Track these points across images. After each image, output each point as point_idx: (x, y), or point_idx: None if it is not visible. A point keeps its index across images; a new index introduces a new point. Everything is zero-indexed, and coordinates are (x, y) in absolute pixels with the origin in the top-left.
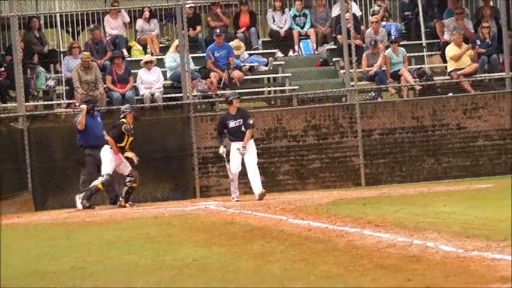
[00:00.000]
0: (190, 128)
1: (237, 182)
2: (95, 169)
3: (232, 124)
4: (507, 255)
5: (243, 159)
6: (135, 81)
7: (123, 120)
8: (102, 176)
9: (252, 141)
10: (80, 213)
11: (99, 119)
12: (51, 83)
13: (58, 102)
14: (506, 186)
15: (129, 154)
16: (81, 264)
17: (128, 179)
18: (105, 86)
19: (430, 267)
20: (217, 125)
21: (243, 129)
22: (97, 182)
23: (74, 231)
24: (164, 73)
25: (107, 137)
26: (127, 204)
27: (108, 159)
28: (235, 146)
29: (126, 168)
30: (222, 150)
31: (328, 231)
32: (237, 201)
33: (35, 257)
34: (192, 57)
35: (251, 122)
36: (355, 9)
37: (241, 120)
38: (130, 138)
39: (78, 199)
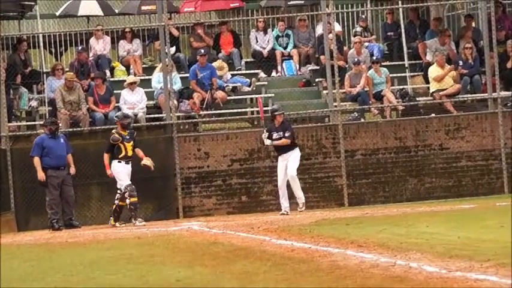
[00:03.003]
0: (173, 148)
1: (286, 193)
2: (58, 190)
3: (275, 136)
4: (490, 276)
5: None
6: (118, 102)
7: (113, 130)
8: (126, 190)
9: (296, 151)
10: (63, 234)
11: (62, 140)
12: (34, 103)
13: (41, 122)
14: (489, 207)
15: (147, 162)
16: (64, 285)
17: (125, 194)
18: (87, 106)
19: (414, 287)
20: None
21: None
22: (129, 199)
23: (57, 251)
24: (150, 93)
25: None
26: (137, 222)
27: (121, 173)
28: (281, 159)
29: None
30: (264, 135)
31: (312, 251)
32: (283, 214)
33: (18, 278)
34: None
35: (287, 134)
36: (337, 27)
37: (282, 133)
38: (129, 145)
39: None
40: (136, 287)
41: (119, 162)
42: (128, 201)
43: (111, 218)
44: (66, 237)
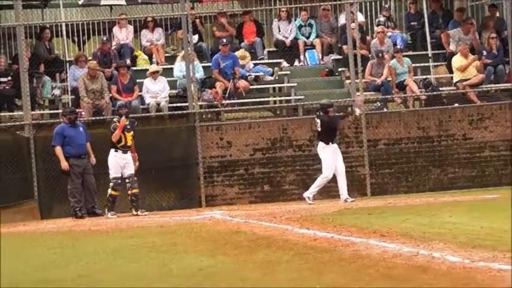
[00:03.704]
0: (196, 138)
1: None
2: (80, 179)
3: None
4: None
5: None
6: (140, 91)
7: (115, 119)
8: (112, 181)
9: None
10: (85, 222)
11: (81, 129)
12: (57, 92)
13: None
14: None
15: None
16: (87, 273)
17: (127, 185)
18: (110, 95)
19: (437, 277)
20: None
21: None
22: (109, 191)
23: (80, 239)
24: (173, 82)
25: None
26: (139, 212)
27: (113, 164)
28: (330, 148)
29: (129, 172)
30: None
31: (334, 240)
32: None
33: (41, 265)
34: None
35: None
36: (360, 17)
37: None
38: (129, 135)
39: (108, 214)
40: (158, 275)
41: (115, 151)
42: (129, 192)
43: (105, 208)
44: (89, 225)
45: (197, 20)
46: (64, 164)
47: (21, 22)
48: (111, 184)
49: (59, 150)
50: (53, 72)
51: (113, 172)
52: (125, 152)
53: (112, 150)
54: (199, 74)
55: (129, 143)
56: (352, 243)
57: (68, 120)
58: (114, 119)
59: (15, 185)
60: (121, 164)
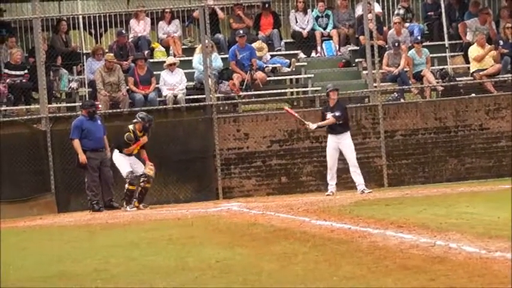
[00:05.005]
0: (213, 130)
1: (335, 173)
2: (97, 172)
3: (329, 116)
4: None
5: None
6: (157, 83)
7: (130, 127)
8: (127, 177)
9: (348, 134)
10: (102, 215)
11: (99, 122)
12: (73, 85)
13: (80, 104)
14: None
15: (150, 172)
16: (104, 266)
17: (141, 179)
18: (127, 87)
19: (453, 268)
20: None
21: (337, 122)
22: (126, 185)
23: (97, 233)
24: (190, 74)
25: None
26: (141, 206)
27: (121, 162)
28: (331, 139)
29: (141, 168)
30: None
31: (351, 232)
32: (328, 195)
33: (58, 259)
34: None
35: (337, 114)
36: (377, 7)
37: (339, 112)
38: (137, 146)
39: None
40: (176, 268)
41: (120, 152)
42: (142, 184)
43: (123, 201)
44: (106, 218)
45: (218, 9)
46: (82, 158)
47: (38, 15)
48: (127, 180)
49: (77, 143)
50: (70, 65)
51: (123, 168)
52: (129, 155)
53: (116, 151)
54: (217, 63)
55: (135, 152)
56: (369, 234)
57: (87, 113)
58: (130, 127)
59: (32, 179)
60: (128, 160)
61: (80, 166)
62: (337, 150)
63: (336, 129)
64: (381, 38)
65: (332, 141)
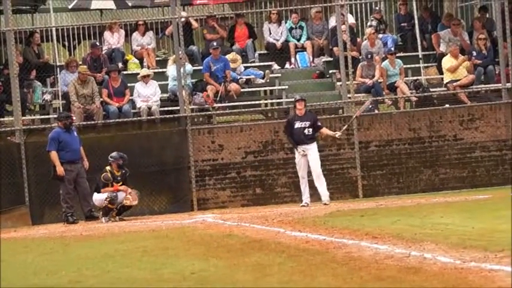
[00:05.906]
0: (188, 141)
1: (307, 184)
2: (72, 184)
3: (297, 125)
4: (505, 266)
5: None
6: (131, 95)
7: (107, 168)
8: (106, 199)
9: (315, 144)
10: (77, 227)
11: (75, 133)
12: (47, 97)
13: (54, 116)
14: (504, 197)
15: (133, 203)
16: (78, 278)
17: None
18: (101, 99)
19: (428, 278)
20: (285, 127)
21: (305, 132)
22: (105, 202)
23: (71, 245)
24: (164, 86)
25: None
26: (116, 218)
27: (100, 200)
28: (299, 149)
29: (121, 195)
30: (298, 153)
31: (326, 243)
32: (303, 206)
33: (32, 271)
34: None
35: (319, 124)
36: (350, 19)
37: (308, 122)
38: (118, 185)
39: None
40: (151, 280)
41: (98, 193)
42: (105, 202)
43: (100, 211)
44: (80, 230)
45: (192, 20)
46: (60, 170)
47: (11, 27)
48: (107, 199)
49: (54, 155)
50: (43, 77)
51: (101, 199)
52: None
53: (95, 193)
54: (188, 68)
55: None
56: (344, 245)
57: (63, 125)
58: (107, 168)
59: (6, 191)
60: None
61: (57, 178)
62: (306, 159)
63: (302, 139)
64: (354, 49)
65: (300, 150)
